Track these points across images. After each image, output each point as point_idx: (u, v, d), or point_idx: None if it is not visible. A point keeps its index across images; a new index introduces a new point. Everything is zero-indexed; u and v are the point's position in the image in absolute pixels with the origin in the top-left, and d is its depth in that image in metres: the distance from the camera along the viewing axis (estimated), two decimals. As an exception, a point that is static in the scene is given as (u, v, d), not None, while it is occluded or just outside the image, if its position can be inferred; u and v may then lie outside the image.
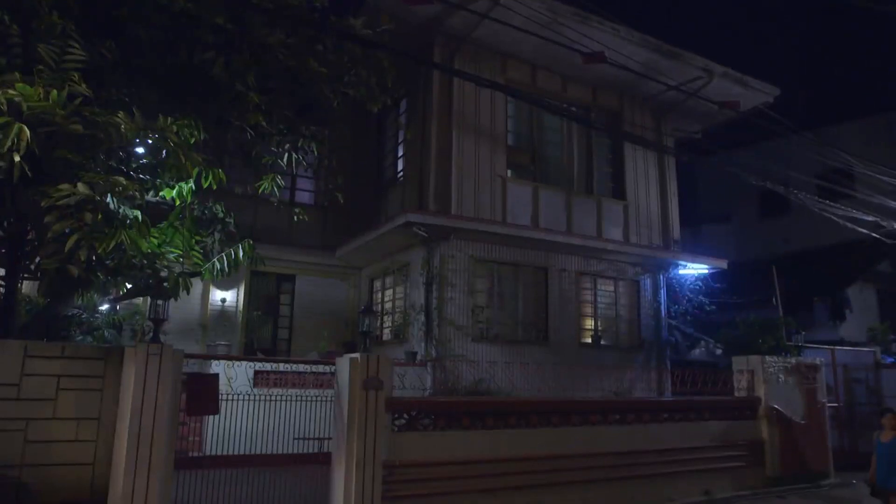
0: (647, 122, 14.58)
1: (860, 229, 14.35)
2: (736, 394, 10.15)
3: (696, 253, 14.67)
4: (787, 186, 12.96)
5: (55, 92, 4.86)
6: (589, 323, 13.10)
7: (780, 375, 10.24)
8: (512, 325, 12.11)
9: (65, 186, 4.79)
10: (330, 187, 13.59)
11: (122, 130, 5.16)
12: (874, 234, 14.54)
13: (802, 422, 10.14)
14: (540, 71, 13.25)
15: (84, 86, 5.14)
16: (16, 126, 4.56)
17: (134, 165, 6.26)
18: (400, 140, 13.70)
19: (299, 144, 7.69)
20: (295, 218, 8.66)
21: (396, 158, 13.84)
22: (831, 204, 13.24)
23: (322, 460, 7.11)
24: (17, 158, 4.59)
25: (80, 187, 4.80)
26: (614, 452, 8.24)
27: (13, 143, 4.54)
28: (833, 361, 12.30)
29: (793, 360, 10.62)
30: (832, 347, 12.82)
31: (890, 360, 13.44)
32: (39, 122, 4.80)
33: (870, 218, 13.69)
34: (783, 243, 21.71)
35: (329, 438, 7.11)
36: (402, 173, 13.36)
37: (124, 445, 5.50)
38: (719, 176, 22.33)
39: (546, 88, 13.35)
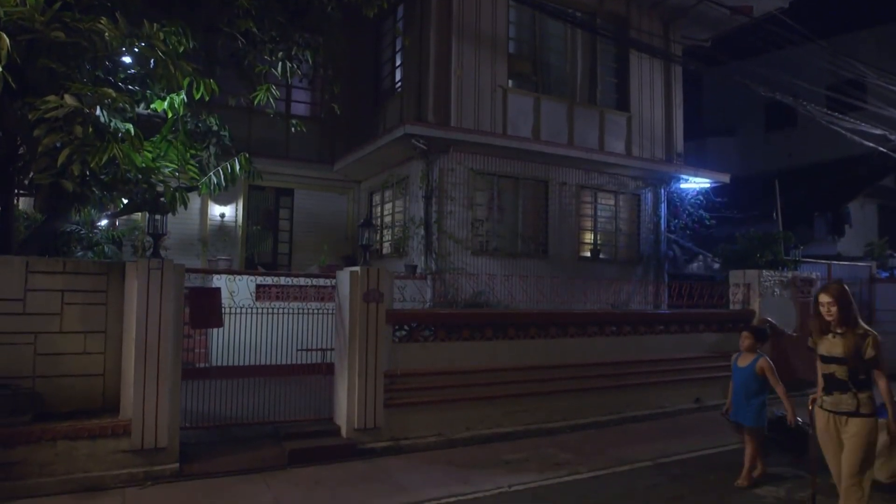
0: (655, 30, 13.98)
1: (867, 143, 14.11)
2: (731, 307, 10.33)
3: (698, 167, 14.48)
4: (796, 98, 12.60)
5: (32, -5, 4.59)
6: (588, 237, 13.14)
7: (776, 289, 10.38)
8: (511, 239, 12.14)
9: (52, 98, 4.61)
10: (326, 98, 13.24)
11: (107, 38, 4.90)
12: (881, 148, 14.31)
13: (794, 333, 10.37)
14: (545, -28, 12.56)
15: (62, -11, 4.84)
16: (-6, 34, 4.34)
17: (122, 76, 6.02)
18: (398, 48, 13.18)
19: (293, 53, 7.37)
20: (292, 130, 8.45)
21: (395, 68, 13.37)
22: (840, 116, 12.94)
23: (325, 370, 7.32)
24: (-2, 69, 4.39)
25: (68, 99, 4.63)
26: (610, 362, 8.49)
27: (-7, 52, 4.33)
28: (829, 276, 12.44)
29: (789, 275, 10.73)
30: (829, 262, 12.94)
31: (885, 274, 13.60)
32: (18, 29, 4.55)
33: (878, 131, 13.42)
34: (787, 157, 21.43)
35: (332, 349, 7.28)
36: (400, 83, 12.95)
37: (132, 357, 5.63)
38: (726, 87, 21.74)
39: (551, -8, 12.70)
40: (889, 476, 5.15)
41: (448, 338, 7.40)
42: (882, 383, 4.04)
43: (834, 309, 4.12)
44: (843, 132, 13.22)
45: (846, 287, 4.21)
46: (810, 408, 4.53)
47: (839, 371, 4.13)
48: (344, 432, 6.74)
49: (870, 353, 4.04)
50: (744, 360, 5.90)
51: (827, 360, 4.22)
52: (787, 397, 5.65)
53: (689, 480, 5.78)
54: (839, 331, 4.16)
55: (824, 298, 4.17)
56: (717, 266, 14.84)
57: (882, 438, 5.24)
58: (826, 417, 4.23)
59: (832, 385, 4.19)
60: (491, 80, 11.92)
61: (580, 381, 8.17)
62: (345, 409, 6.74)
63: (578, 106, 13.04)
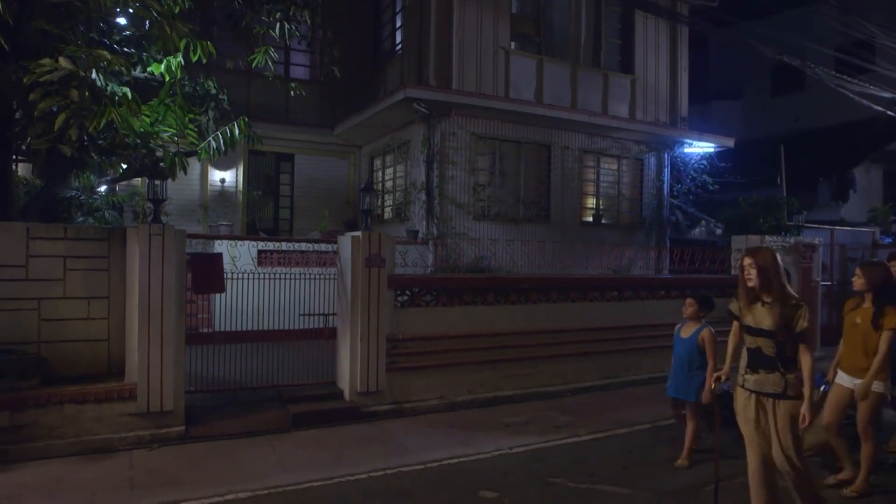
0: (662, -12, 13.66)
1: (875, 107, 13.89)
2: (733, 272, 10.33)
3: (703, 131, 14.31)
4: (804, 60, 12.37)
5: (22, -46, 4.48)
6: (591, 201, 13.09)
7: (778, 255, 10.35)
8: (513, 204, 12.10)
9: (46, 61, 4.54)
10: (326, 61, 13.04)
11: (100, -2, 4.81)
12: (889, 112, 14.09)
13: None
14: (549, -71, 12.21)
15: (52, -53, 4.72)
16: (-16, -6, 4.25)
17: (117, 38, 5.92)
18: (398, 9, 12.92)
19: (291, 13, 7.23)
20: (291, 93, 8.33)
21: (395, 29, 13.12)
22: (848, 79, 12.71)
23: (328, 335, 7.37)
24: (-9, 30, 4.31)
25: (63, 62, 4.55)
26: (611, 327, 8.53)
27: (-16, 13, 4.25)
28: (831, 241, 12.40)
29: (792, 240, 10.69)
30: (832, 227, 12.88)
31: (888, 240, 13.55)
32: (9, -11, 4.46)
33: (887, 94, 13.21)
34: (793, 121, 21.15)
35: (334, 314, 7.32)
36: (400, 45, 12.72)
37: (135, 322, 5.66)
38: (732, 49, 21.35)
39: (555, -50, 12.37)
40: (806, 449, 5.01)
41: (449, 302, 7.42)
42: (806, 360, 3.72)
43: (753, 272, 3.74)
44: (851, 95, 13.01)
45: (773, 252, 3.81)
46: (712, 386, 4.14)
47: (766, 346, 3.73)
48: (347, 396, 6.83)
49: (801, 325, 3.65)
50: (687, 331, 5.41)
51: (753, 331, 3.79)
52: (711, 375, 5.08)
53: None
54: (767, 299, 3.73)
55: (746, 261, 3.80)
56: (719, 231, 14.82)
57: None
58: (747, 397, 3.81)
59: (757, 361, 3.77)
60: (493, 42, 11.71)
61: (581, 345, 8.23)
62: (347, 373, 6.81)
63: (582, 69, 12.83)
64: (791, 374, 3.70)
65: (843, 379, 4.81)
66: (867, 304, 4.73)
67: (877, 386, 4.55)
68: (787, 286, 3.78)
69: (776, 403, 3.71)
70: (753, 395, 3.79)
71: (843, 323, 4.93)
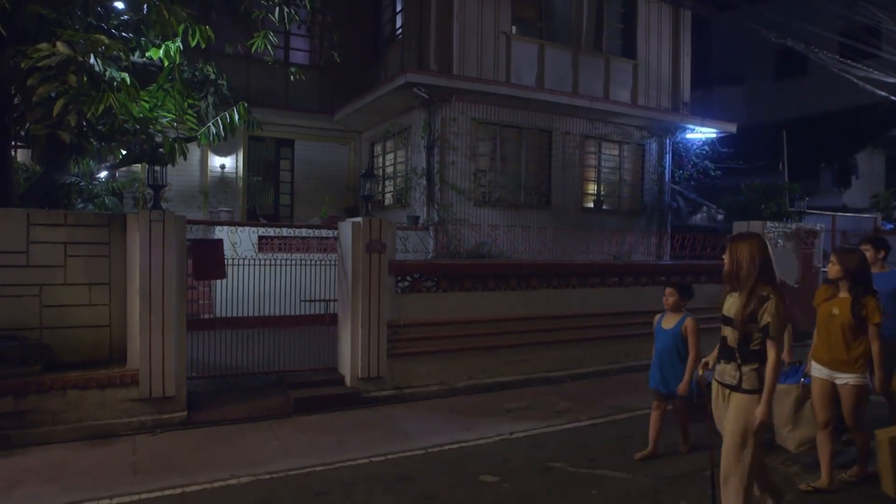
0: (665, -28, 13.52)
1: (879, 92, 13.79)
2: (733, 258, 10.31)
3: (705, 116, 14.22)
4: (808, 45, 12.26)
5: (18, -63, 4.43)
6: (592, 187, 13.05)
7: (780, 241, 10.34)
8: (514, 189, 12.06)
9: (44, 46, 4.50)
10: (326, 46, 12.94)
11: (97, -18, 4.76)
12: (892, 97, 14.00)
13: (795, 285, 10.40)
14: (551, -89, 12.06)
15: (48, -70, 4.67)
16: (-20, -23, 4.21)
17: (114, 23, 5.87)
18: (398, -8, 12.81)
19: (290, -3, 7.16)
20: (291, 78, 8.26)
21: (395, 14, 13.01)
22: (852, 64, 12.61)
23: (329, 321, 7.39)
24: (-13, 15, 4.27)
25: (60, 46, 4.51)
26: (611, 313, 8.54)
27: (-20, -3, 4.21)
28: (833, 227, 12.38)
29: (793, 226, 10.67)
30: (833, 214, 12.85)
31: (890, 226, 13.52)
32: (5, -27, 4.41)
33: (891, 80, 13.11)
34: (796, 107, 20.99)
35: (335, 300, 7.33)
36: (401, 30, 12.62)
37: (137, 308, 5.68)
38: (735, 34, 21.14)
39: (557, -68, 12.22)
40: (798, 445, 4.75)
41: (450, 288, 7.43)
42: (770, 356, 3.41)
43: (727, 260, 3.57)
44: (855, 80, 12.91)
45: (755, 242, 3.52)
46: (701, 372, 3.94)
47: (731, 336, 3.56)
48: (348, 381, 6.85)
49: (765, 319, 3.37)
50: (669, 322, 5.22)
51: (724, 320, 3.64)
52: (692, 367, 4.96)
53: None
54: (740, 288, 3.52)
55: (729, 246, 3.61)
56: (720, 217, 14.77)
57: (786, 405, 4.78)
58: (716, 387, 3.71)
59: (722, 351, 3.66)
60: (494, 27, 11.61)
61: (581, 331, 8.25)
62: (349, 359, 6.83)
63: (584, 53, 12.73)
64: (748, 367, 3.48)
65: (822, 372, 4.57)
66: (844, 294, 4.46)
67: (856, 379, 4.38)
68: (766, 279, 3.48)
69: (730, 395, 3.57)
70: (718, 385, 3.69)
71: (817, 313, 4.66)
